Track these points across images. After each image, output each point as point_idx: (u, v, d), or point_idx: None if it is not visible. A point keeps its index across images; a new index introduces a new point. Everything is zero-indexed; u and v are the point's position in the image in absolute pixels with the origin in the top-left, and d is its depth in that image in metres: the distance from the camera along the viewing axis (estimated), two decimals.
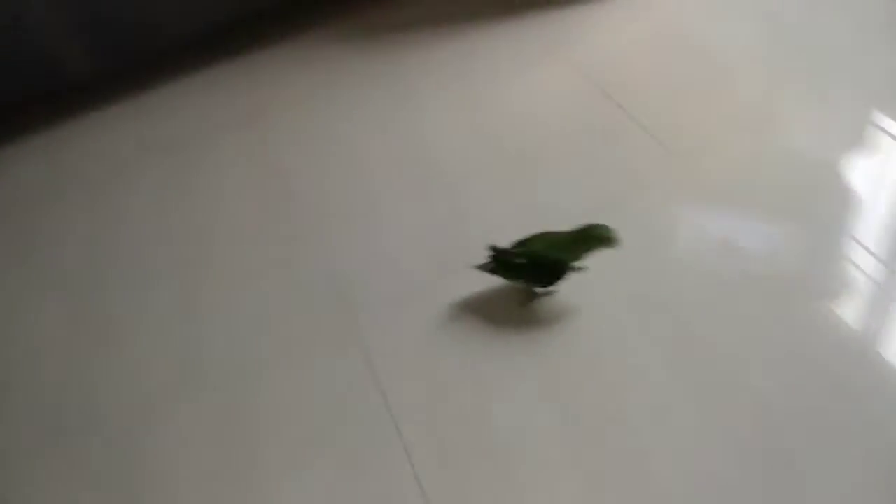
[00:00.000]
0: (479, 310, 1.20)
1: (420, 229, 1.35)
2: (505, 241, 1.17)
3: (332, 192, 1.47)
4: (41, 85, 1.75)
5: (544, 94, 1.59)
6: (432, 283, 1.26)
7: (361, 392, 1.13)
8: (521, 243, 1.15)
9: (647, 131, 1.43)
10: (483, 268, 1.16)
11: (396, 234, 1.35)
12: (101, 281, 1.41)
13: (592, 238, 1.08)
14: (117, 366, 1.25)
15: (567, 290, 1.19)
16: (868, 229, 1.21)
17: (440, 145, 1.52)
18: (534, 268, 1.13)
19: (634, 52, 1.63)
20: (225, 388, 1.18)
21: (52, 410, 1.20)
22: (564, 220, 1.15)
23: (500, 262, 1.15)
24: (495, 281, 1.20)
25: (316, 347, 1.20)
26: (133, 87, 1.86)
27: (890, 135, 1.36)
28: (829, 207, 1.25)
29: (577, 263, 1.11)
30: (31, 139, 1.80)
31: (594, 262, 1.13)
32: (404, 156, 1.51)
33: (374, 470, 1.04)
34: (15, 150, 1.78)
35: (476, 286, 1.22)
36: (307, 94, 1.72)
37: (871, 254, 1.17)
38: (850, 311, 1.10)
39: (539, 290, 1.19)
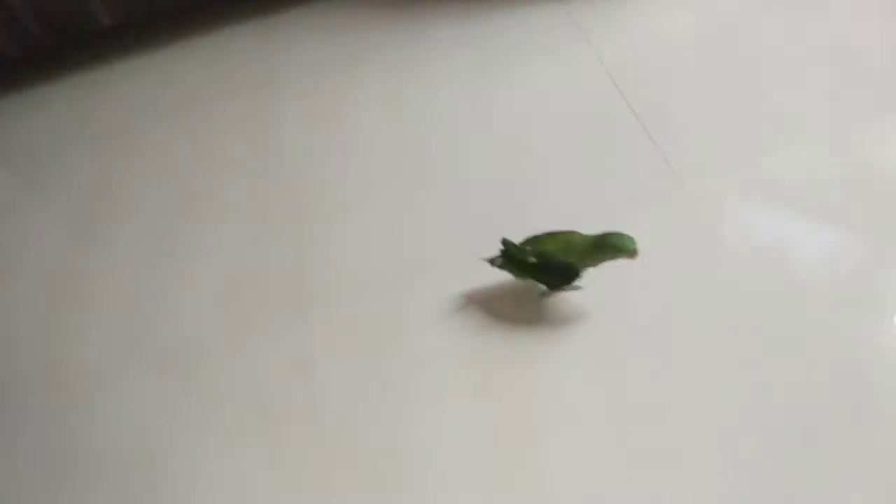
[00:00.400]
0: (476, 304, 1.18)
1: (405, 217, 1.33)
2: (502, 234, 1.12)
3: (328, 168, 1.45)
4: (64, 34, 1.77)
5: (560, 85, 1.51)
6: (397, 277, 1.24)
7: (294, 376, 1.14)
8: (533, 241, 1.10)
9: (654, 141, 1.34)
10: (492, 262, 1.13)
11: (383, 220, 1.33)
12: (88, 235, 1.44)
13: (610, 247, 1.02)
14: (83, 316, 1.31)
15: (581, 294, 1.14)
16: None
17: (445, 128, 1.47)
18: (544, 268, 1.08)
19: (672, 50, 1.51)
20: (168, 354, 1.22)
21: None
22: (559, 220, 1.13)
23: (511, 257, 1.10)
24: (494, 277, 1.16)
25: (268, 326, 1.22)
26: (148, 43, 1.88)
27: None
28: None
29: (590, 269, 1.07)
30: (48, 86, 1.84)
31: (615, 267, 1.06)
32: (406, 136, 1.48)
33: (286, 459, 1.05)
34: (35, 94, 1.83)
35: (467, 282, 1.20)
36: (317, 63, 1.69)
37: None
38: None
39: (547, 291, 1.14)
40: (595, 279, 1.10)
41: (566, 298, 1.15)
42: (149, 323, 1.28)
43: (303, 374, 1.14)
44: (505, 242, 1.11)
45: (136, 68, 1.82)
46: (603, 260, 1.04)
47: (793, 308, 1.08)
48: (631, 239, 1.00)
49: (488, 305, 1.17)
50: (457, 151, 1.43)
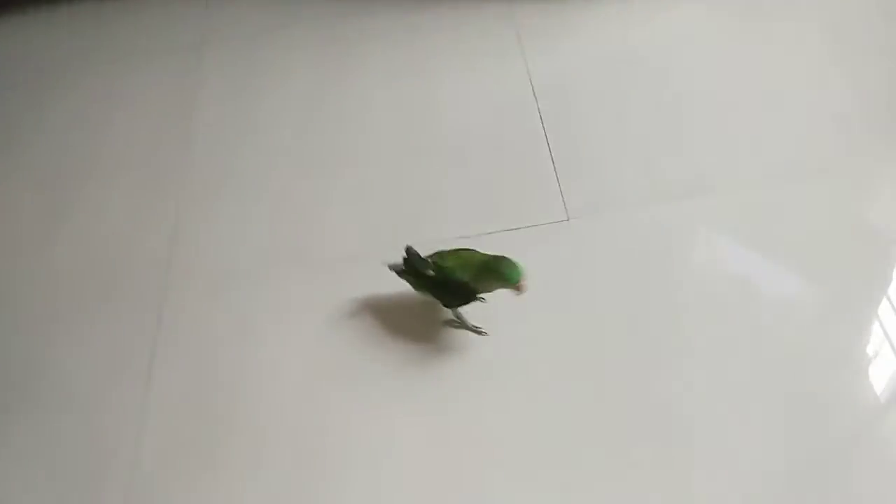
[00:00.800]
0: (368, 312, 1.15)
1: (303, 207, 1.30)
2: (400, 239, 1.09)
3: (232, 144, 1.42)
4: None
5: (484, 93, 1.46)
6: (282, 271, 1.22)
7: (132, 363, 1.12)
8: (438, 255, 1.06)
9: (557, 169, 1.30)
10: (392, 268, 1.09)
11: (279, 208, 1.30)
12: None
13: (496, 272, 0.97)
14: None
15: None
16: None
17: (362, 118, 1.43)
18: (439, 284, 1.05)
19: (604, 74, 1.45)
20: (23, 313, 1.21)
21: None
22: (451, 234, 1.14)
23: (410, 267, 1.07)
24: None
25: (121, 302, 1.20)
26: None
27: None
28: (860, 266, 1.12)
29: (484, 293, 1.03)
30: None
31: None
32: (320, 120, 1.44)
33: (103, 449, 1.05)
34: None
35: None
36: (246, 34, 1.64)
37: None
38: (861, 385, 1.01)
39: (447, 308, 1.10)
40: (487, 307, 1.06)
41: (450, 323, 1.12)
42: (18, 275, 1.26)
43: (140, 363, 1.12)
44: (408, 251, 1.06)
45: (79, 14, 1.76)
46: (491, 286, 1.00)
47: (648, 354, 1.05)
48: (517, 271, 0.96)
49: (380, 316, 1.13)
50: (369, 146, 1.39)
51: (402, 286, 1.10)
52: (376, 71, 1.52)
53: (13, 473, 1.04)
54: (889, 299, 1.08)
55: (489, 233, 1.21)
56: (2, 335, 1.18)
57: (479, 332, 1.09)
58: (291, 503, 0.97)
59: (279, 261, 1.23)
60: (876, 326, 1.06)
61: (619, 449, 0.97)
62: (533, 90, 1.43)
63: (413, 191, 1.30)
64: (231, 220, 1.29)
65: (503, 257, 0.98)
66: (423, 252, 1.07)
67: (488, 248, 1.09)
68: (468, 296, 1.03)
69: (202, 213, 1.31)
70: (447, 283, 1.03)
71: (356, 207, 1.29)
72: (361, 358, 1.10)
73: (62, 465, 1.03)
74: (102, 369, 1.11)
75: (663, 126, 1.35)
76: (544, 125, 1.37)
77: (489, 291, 1.02)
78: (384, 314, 1.14)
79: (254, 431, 1.03)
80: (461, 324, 1.10)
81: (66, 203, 1.37)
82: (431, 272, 1.04)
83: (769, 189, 1.22)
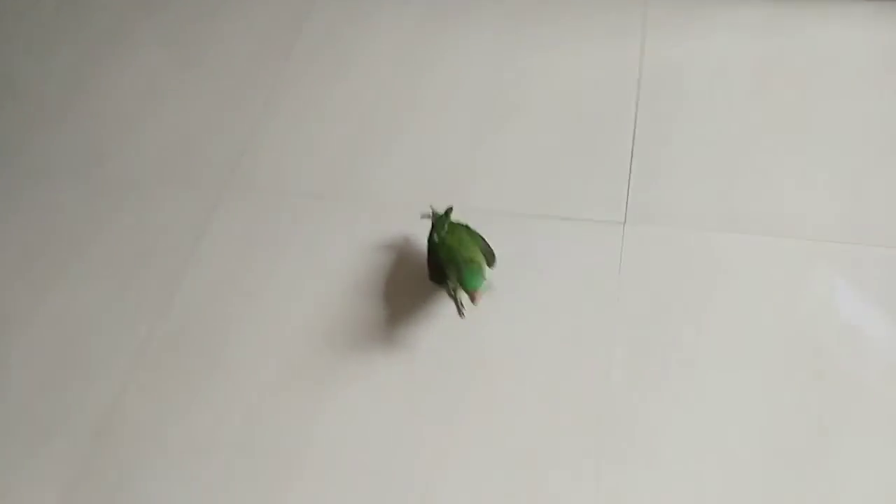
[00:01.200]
0: (386, 251, 1.17)
1: (375, 143, 1.31)
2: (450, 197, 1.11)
3: (333, 70, 1.44)
4: None
5: (587, 71, 1.38)
6: (331, 199, 1.25)
7: (179, 244, 1.20)
8: (456, 226, 1.05)
9: (632, 166, 1.23)
10: (426, 216, 1.09)
11: (354, 140, 1.32)
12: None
13: (457, 269, 0.95)
14: None
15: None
16: None
17: (448, 74, 1.40)
18: (430, 251, 1.05)
19: (716, 83, 1.33)
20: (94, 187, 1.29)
21: None
22: (497, 202, 1.16)
23: (433, 225, 1.07)
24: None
25: (182, 188, 1.27)
26: None
27: None
28: None
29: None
30: None
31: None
32: (411, 70, 1.42)
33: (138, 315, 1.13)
34: None
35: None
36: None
37: None
38: None
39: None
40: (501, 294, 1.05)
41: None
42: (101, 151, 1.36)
43: (181, 254, 1.19)
44: (446, 210, 1.08)
45: None
46: (452, 281, 0.98)
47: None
48: (475, 281, 0.93)
49: (403, 267, 1.14)
50: (453, 98, 1.37)
51: None
52: (481, 26, 1.47)
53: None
54: None
55: (540, 215, 1.17)
56: (70, 200, 1.29)
57: (460, 312, 1.06)
58: (276, 413, 1.02)
59: (331, 192, 1.25)
60: None
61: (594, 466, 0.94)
62: (639, 80, 1.35)
63: (482, 152, 1.28)
64: (301, 143, 1.32)
65: (477, 262, 0.95)
66: (470, 219, 1.07)
67: (534, 231, 1.09)
68: (441, 277, 1.01)
69: (278, 130, 1.34)
70: (435, 257, 1.03)
71: (421, 157, 1.28)
72: (368, 308, 1.11)
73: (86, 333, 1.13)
74: (149, 248, 1.20)
75: (765, 152, 1.23)
76: (637, 119, 1.29)
77: (452, 285, 0.99)
78: (407, 266, 1.14)
79: (256, 344, 1.08)
80: (452, 293, 1.08)
81: (162, 89, 1.45)
82: (435, 239, 1.03)
83: (859, 245, 1.11)
